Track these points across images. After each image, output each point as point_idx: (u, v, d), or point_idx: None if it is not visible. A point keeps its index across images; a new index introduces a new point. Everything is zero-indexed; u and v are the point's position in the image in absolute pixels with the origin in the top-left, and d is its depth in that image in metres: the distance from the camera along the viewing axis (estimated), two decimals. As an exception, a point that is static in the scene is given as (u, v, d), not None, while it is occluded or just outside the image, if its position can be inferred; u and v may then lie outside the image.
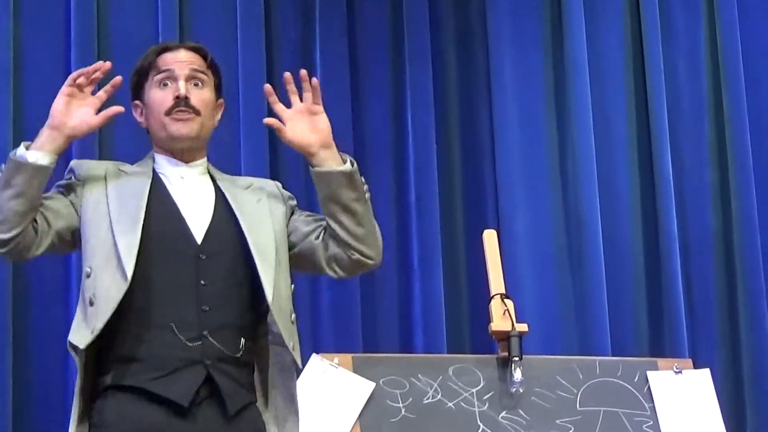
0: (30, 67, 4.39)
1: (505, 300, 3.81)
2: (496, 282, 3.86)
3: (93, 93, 2.80)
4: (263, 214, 2.84)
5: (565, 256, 4.90)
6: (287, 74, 2.92)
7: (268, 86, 2.91)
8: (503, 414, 3.72)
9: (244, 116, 4.53)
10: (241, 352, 2.70)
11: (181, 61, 2.85)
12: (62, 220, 2.74)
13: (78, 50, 4.39)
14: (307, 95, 2.89)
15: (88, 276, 2.68)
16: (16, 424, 4.16)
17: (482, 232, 4.05)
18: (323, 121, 2.87)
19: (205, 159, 2.92)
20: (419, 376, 3.73)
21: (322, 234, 2.86)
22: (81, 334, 2.64)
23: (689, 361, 4.04)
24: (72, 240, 2.78)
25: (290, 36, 4.79)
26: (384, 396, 3.66)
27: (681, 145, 5.07)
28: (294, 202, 2.98)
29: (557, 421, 3.73)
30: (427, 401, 3.69)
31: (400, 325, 4.69)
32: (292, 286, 2.85)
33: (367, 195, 2.86)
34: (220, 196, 2.85)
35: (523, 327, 3.77)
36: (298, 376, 2.81)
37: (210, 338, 2.66)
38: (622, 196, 4.98)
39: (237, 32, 4.62)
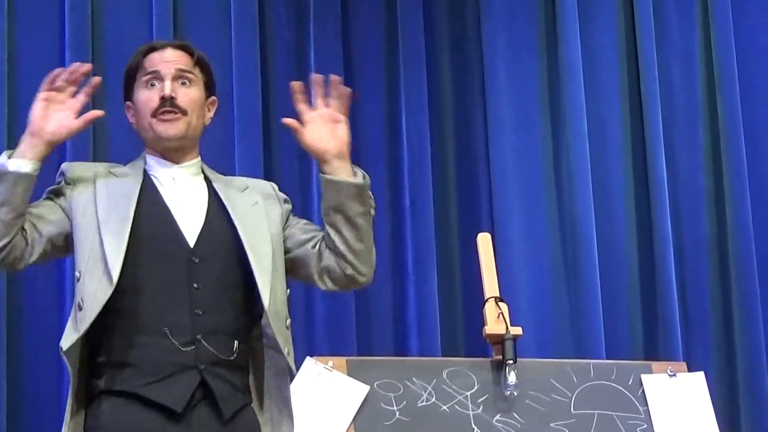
0: (24, 68, 4.39)
1: (500, 303, 3.81)
2: (491, 285, 3.86)
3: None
4: (259, 218, 2.82)
5: (559, 260, 4.90)
6: (317, 75, 2.87)
7: (296, 84, 2.86)
8: (497, 417, 3.71)
9: (238, 116, 4.53)
10: (235, 355, 2.69)
11: (167, 60, 2.83)
12: (53, 226, 2.73)
13: (72, 51, 4.39)
14: (335, 102, 2.83)
15: (78, 280, 2.67)
16: (10, 430, 4.15)
17: (476, 235, 4.05)
18: (343, 130, 2.83)
19: (198, 159, 2.89)
20: (413, 379, 3.73)
21: (318, 243, 2.85)
22: (69, 338, 2.63)
23: (683, 365, 4.03)
24: (65, 245, 2.76)
25: (284, 36, 4.79)
26: (378, 399, 3.66)
27: (675, 150, 5.07)
28: (289, 206, 2.96)
29: (552, 425, 3.73)
30: (421, 404, 3.69)
31: (395, 328, 4.69)
32: (288, 290, 2.83)
33: (373, 212, 2.85)
34: (214, 197, 2.83)
35: (517, 330, 3.77)
36: (291, 381, 2.79)
37: (204, 342, 2.64)
38: (617, 200, 4.99)
39: (231, 32, 4.62)
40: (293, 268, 2.86)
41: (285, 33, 4.79)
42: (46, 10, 4.45)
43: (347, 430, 3.57)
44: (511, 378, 3.69)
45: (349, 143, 2.83)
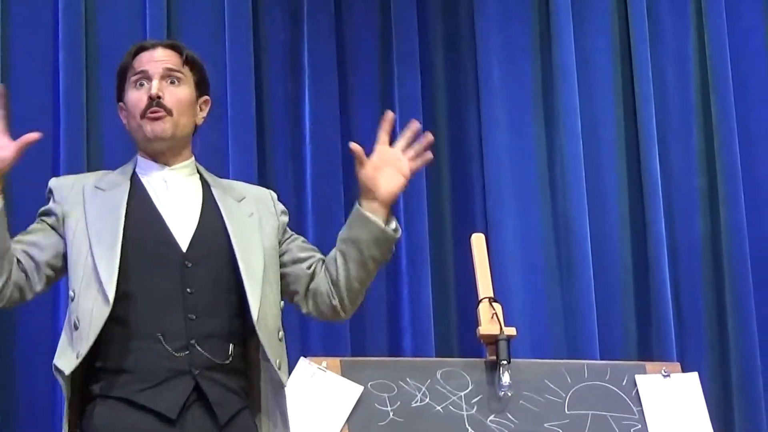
0: (18, 68, 4.38)
1: (494, 303, 3.81)
2: (485, 286, 3.86)
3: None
4: (253, 230, 2.79)
5: (553, 260, 4.90)
6: (416, 123, 2.88)
7: (392, 114, 2.87)
8: (491, 417, 3.71)
9: (232, 117, 4.53)
10: (230, 359, 2.67)
11: (155, 60, 2.81)
12: (48, 251, 2.72)
13: (66, 51, 4.38)
14: (413, 157, 2.81)
15: (72, 299, 2.65)
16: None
17: (470, 235, 4.04)
18: (401, 183, 2.78)
19: (191, 160, 2.87)
20: (407, 379, 3.72)
21: (314, 265, 2.85)
22: (66, 358, 2.62)
23: (677, 365, 4.03)
24: (65, 265, 2.75)
25: (278, 38, 4.79)
26: (372, 399, 3.65)
27: (669, 151, 5.08)
28: (286, 218, 2.93)
29: (545, 425, 3.73)
30: (415, 405, 3.68)
31: (389, 328, 4.69)
32: (282, 302, 2.82)
33: (382, 265, 2.84)
34: (209, 200, 2.81)
35: (511, 330, 3.77)
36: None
37: (198, 347, 2.63)
38: (611, 201, 4.99)
39: (225, 34, 4.62)
40: (283, 283, 2.85)
41: (279, 34, 4.79)
42: (39, 10, 4.44)
43: (341, 430, 3.57)
44: (505, 378, 3.69)
45: (398, 195, 2.81)
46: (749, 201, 5.02)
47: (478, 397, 3.73)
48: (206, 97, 2.90)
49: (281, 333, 2.75)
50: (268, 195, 2.96)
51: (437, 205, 4.84)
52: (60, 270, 2.75)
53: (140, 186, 2.79)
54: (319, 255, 2.89)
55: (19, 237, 2.74)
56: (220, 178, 2.97)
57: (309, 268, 2.84)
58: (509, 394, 3.73)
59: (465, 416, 3.69)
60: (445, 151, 4.94)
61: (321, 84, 4.75)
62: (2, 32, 4.36)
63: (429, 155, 2.82)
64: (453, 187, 4.92)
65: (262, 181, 4.42)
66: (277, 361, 2.69)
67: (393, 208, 2.81)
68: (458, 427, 3.67)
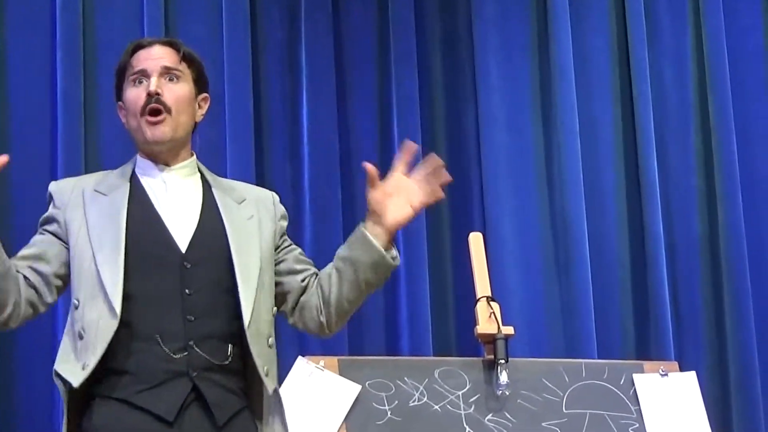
0: (16, 67, 4.39)
1: (491, 303, 3.80)
2: (482, 285, 3.85)
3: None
4: (252, 234, 2.79)
5: (551, 259, 4.90)
6: (437, 159, 2.83)
7: (415, 145, 2.85)
8: (489, 417, 3.71)
9: (229, 116, 4.53)
10: (229, 360, 2.66)
11: (153, 57, 2.79)
12: (53, 262, 2.72)
13: (63, 51, 4.39)
14: (426, 189, 2.78)
15: (76, 308, 2.65)
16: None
17: (468, 234, 4.04)
18: (409, 214, 2.77)
19: (192, 159, 2.86)
20: (405, 378, 3.72)
21: (308, 278, 2.85)
22: (71, 367, 2.61)
23: (675, 364, 4.03)
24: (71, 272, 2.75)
25: (276, 37, 4.79)
26: (370, 399, 3.65)
27: (667, 150, 5.08)
28: (285, 223, 2.93)
29: (543, 424, 3.73)
30: (413, 404, 3.68)
31: (386, 327, 4.69)
32: (275, 309, 2.81)
33: (375, 290, 2.84)
34: (209, 201, 2.80)
35: (509, 330, 3.76)
36: (277, 402, 2.76)
37: (196, 348, 2.62)
38: (609, 200, 4.99)
39: (222, 33, 4.62)
40: (275, 291, 2.84)
41: (277, 33, 4.79)
42: (37, 9, 4.44)
43: (339, 429, 3.57)
44: (503, 377, 3.69)
45: (403, 225, 2.79)
46: (747, 200, 5.02)
47: (476, 397, 3.73)
48: (205, 95, 2.89)
49: (272, 339, 2.74)
50: (269, 197, 2.95)
51: (435, 205, 4.81)
52: (68, 277, 2.73)
53: (140, 187, 2.78)
54: (313, 269, 2.89)
55: (22, 252, 2.74)
56: (225, 179, 2.97)
57: (303, 281, 2.85)
58: (507, 394, 3.72)
59: (463, 415, 3.69)
60: (443, 150, 4.93)
61: (319, 83, 4.75)
62: (0, 31, 4.36)
63: (441, 193, 2.80)
64: (451, 185, 4.87)
65: (260, 180, 4.42)
66: (265, 368, 2.68)
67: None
68: (456, 426, 3.67)
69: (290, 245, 2.91)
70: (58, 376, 2.63)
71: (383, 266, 2.75)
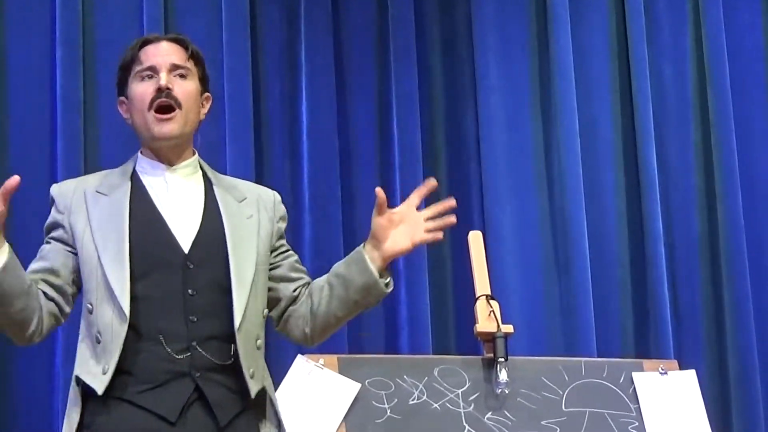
0: (15, 64, 4.39)
1: (491, 301, 3.79)
2: (482, 283, 3.84)
3: None
4: (251, 234, 2.78)
5: (550, 258, 4.90)
6: (452, 202, 2.87)
7: (433, 182, 2.89)
8: (489, 415, 3.71)
9: (229, 115, 4.53)
10: (232, 360, 2.66)
11: (162, 54, 2.79)
12: (64, 273, 2.71)
13: (63, 49, 4.38)
14: (427, 235, 2.79)
15: (90, 312, 2.65)
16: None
17: (468, 233, 4.04)
18: (406, 247, 2.78)
19: (194, 158, 2.85)
20: (405, 376, 3.72)
21: (300, 289, 2.86)
22: (93, 372, 2.61)
23: (675, 363, 4.03)
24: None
25: (276, 36, 4.79)
26: (369, 397, 3.65)
27: (667, 148, 5.08)
28: (284, 225, 2.92)
29: (543, 422, 3.72)
30: (412, 402, 3.68)
31: (386, 325, 4.69)
32: (266, 311, 2.80)
33: (362, 311, 2.86)
34: (210, 200, 2.79)
35: (508, 328, 3.76)
36: (268, 404, 2.75)
37: (199, 349, 2.62)
38: (608, 198, 4.99)
39: (222, 31, 4.62)
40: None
41: (276, 32, 4.79)
42: (37, 7, 4.44)
43: (338, 428, 3.56)
44: (503, 376, 3.69)
45: (400, 256, 2.82)
46: (746, 198, 5.03)
47: (476, 395, 3.73)
48: (208, 93, 2.89)
49: (260, 341, 2.73)
50: (271, 197, 2.94)
51: (435, 203, 4.82)
52: (81, 282, 2.73)
53: (141, 187, 2.77)
54: (306, 278, 2.89)
55: (34, 266, 2.73)
56: (227, 177, 2.97)
57: (295, 291, 2.85)
58: (506, 392, 3.72)
59: (462, 413, 3.69)
60: (442, 148, 4.94)
61: (318, 81, 4.75)
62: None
63: (440, 235, 2.81)
64: (450, 184, 4.91)
65: (259, 179, 4.42)
66: (251, 370, 2.66)
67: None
68: (455, 424, 3.67)
69: (287, 250, 2.90)
70: (79, 381, 2.62)
71: (375, 291, 2.77)
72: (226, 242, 2.70)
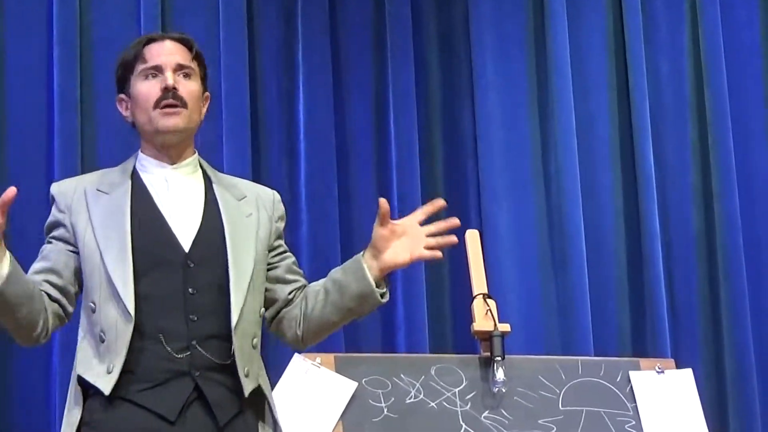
0: (12, 63, 4.39)
1: (488, 300, 3.79)
2: (479, 282, 3.84)
3: None
4: (249, 232, 2.78)
5: (547, 256, 4.90)
6: (456, 221, 2.84)
7: (442, 202, 2.86)
8: (486, 414, 3.70)
9: (226, 114, 4.53)
10: (231, 359, 2.66)
11: (167, 53, 2.79)
12: (66, 273, 2.71)
13: (60, 48, 4.39)
14: (427, 252, 2.78)
15: (94, 311, 2.64)
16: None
17: (465, 231, 4.04)
18: (404, 260, 2.78)
19: (195, 157, 2.85)
20: (402, 375, 3.71)
21: (295, 292, 2.86)
22: (96, 372, 2.61)
23: (671, 361, 4.02)
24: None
25: (273, 34, 4.79)
26: (366, 396, 3.64)
27: (664, 146, 5.08)
28: (282, 225, 2.92)
29: (539, 421, 3.72)
30: (409, 401, 3.68)
31: (383, 324, 4.69)
32: (263, 310, 2.80)
33: (357, 318, 2.86)
34: (211, 199, 2.79)
35: (505, 327, 3.76)
36: (263, 403, 2.76)
37: (199, 348, 2.63)
38: (605, 196, 4.99)
39: (219, 30, 4.62)
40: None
41: (273, 30, 4.79)
42: (34, 6, 4.44)
43: (335, 426, 3.56)
44: (500, 375, 3.68)
45: (398, 268, 2.82)
46: (743, 196, 5.03)
47: (473, 394, 3.72)
48: (207, 93, 2.89)
49: (256, 340, 2.73)
50: (270, 196, 2.94)
51: (431, 200, 4.81)
52: (82, 281, 2.73)
53: (141, 185, 2.77)
54: (302, 281, 2.90)
55: (36, 267, 2.73)
56: (227, 176, 2.97)
57: (290, 293, 2.86)
58: (503, 391, 3.71)
59: (459, 412, 3.69)
60: (439, 147, 4.95)
61: (315, 80, 4.75)
62: (-3, 28, 4.38)
63: (439, 253, 2.81)
64: (447, 183, 4.92)
65: (257, 177, 4.42)
66: (246, 369, 2.67)
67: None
68: (452, 423, 3.66)
69: (284, 251, 2.91)
70: (82, 380, 2.63)
71: (370, 300, 2.77)
72: (225, 241, 2.70)
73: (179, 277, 2.66)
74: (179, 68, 2.78)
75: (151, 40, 2.83)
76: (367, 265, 2.75)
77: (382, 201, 2.77)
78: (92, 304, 2.65)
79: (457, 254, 4.44)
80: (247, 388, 2.67)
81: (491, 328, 3.73)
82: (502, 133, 4.96)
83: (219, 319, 2.66)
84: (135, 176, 2.79)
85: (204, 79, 2.87)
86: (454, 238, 2.83)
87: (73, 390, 2.65)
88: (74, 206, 2.75)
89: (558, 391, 3.79)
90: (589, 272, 4.81)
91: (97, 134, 4.42)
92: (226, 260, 2.68)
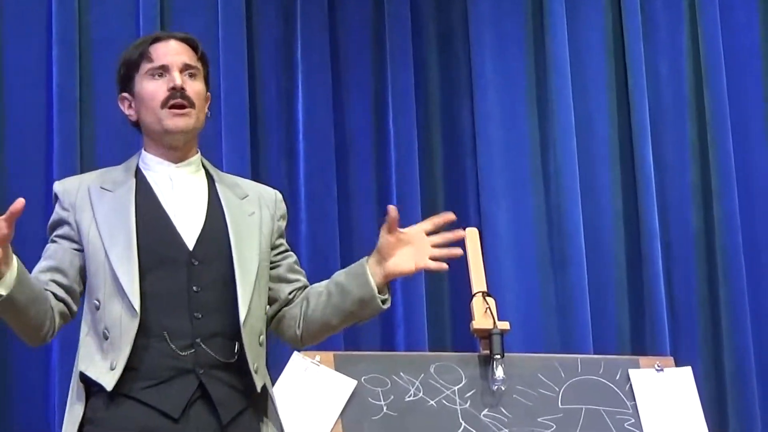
0: (11, 63, 4.39)
1: (487, 298, 3.79)
2: (478, 280, 3.84)
3: None
4: (253, 230, 2.79)
5: (547, 255, 4.90)
6: (462, 233, 2.87)
7: (452, 216, 2.86)
8: (485, 412, 3.71)
9: (225, 113, 4.53)
10: (236, 358, 2.66)
11: (173, 53, 2.78)
12: (70, 272, 2.71)
13: (59, 48, 4.39)
14: (431, 263, 2.78)
15: (98, 309, 2.64)
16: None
17: (464, 230, 4.03)
18: (409, 268, 2.76)
19: (198, 156, 2.85)
20: (401, 373, 3.72)
21: (296, 292, 2.86)
22: (99, 369, 2.61)
23: (671, 359, 4.03)
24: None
25: (272, 33, 4.79)
26: (366, 394, 3.64)
27: (663, 145, 5.09)
28: (284, 223, 2.92)
29: (539, 419, 3.72)
30: (408, 399, 3.68)
31: (382, 322, 4.68)
32: (267, 307, 2.81)
33: (356, 323, 2.86)
34: (214, 197, 2.79)
35: (504, 325, 3.76)
36: (267, 399, 2.76)
37: (203, 346, 2.63)
38: (604, 195, 5.00)
39: (218, 29, 4.62)
40: None
41: (272, 29, 4.79)
42: (33, 6, 4.44)
43: (334, 424, 3.56)
44: (499, 373, 3.69)
45: (402, 276, 2.80)
46: (743, 196, 5.03)
47: (472, 392, 3.73)
48: (209, 93, 2.89)
49: (262, 337, 2.74)
50: (272, 195, 2.94)
51: (431, 200, 4.84)
52: (86, 279, 2.73)
53: (145, 184, 2.77)
54: (303, 281, 2.90)
55: (42, 266, 2.73)
56: (229, 174, 2.97)
57: (290, 293, 2.86)
58: (503, 389, 3.72)
59: (458, 410, 3.69)
60: (438, 145, 4.95)
61: (314, 79, 4.76)
62: (-4, 27, 4.38)
63: (445, 265, 2.81)
64: (446, 181, 4.92)
65: (255, 176, 4.42)
66: (255, 365, 2.67)
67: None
68: (452, 421, 3.67)
69: (286, 250, 2.91)
70: (85, 376, 2.62)
71: (372, 306, 2.76)
72: (229, 239, 2.71)
73: (184, 275, 2.66)
74: (186, 68, 2.78)
75: (156, 40, 2.82)
76: (371, 271, 2.74)
77: (391, 208, 2.77)
78: (96, 302, 2.65)
79: (456, 252, 4.46)
80: (258, 383, 2.68)
81: (490, 326, 3.73)
82: (502, 133, 4.96)
83: (224, 316, 2.67)
84: (139, 174, 2.79)
85: (207, 79, 2.87)
86: (459, 251, 2.83)
87: (75, 386, 2.65)
88: (78, 204, 2.74)
89: (557, 389, 3.80)
90: (588, 270, 4.82)
91: (96, 134, 4.43)
92: (231, 257, 2.69)
